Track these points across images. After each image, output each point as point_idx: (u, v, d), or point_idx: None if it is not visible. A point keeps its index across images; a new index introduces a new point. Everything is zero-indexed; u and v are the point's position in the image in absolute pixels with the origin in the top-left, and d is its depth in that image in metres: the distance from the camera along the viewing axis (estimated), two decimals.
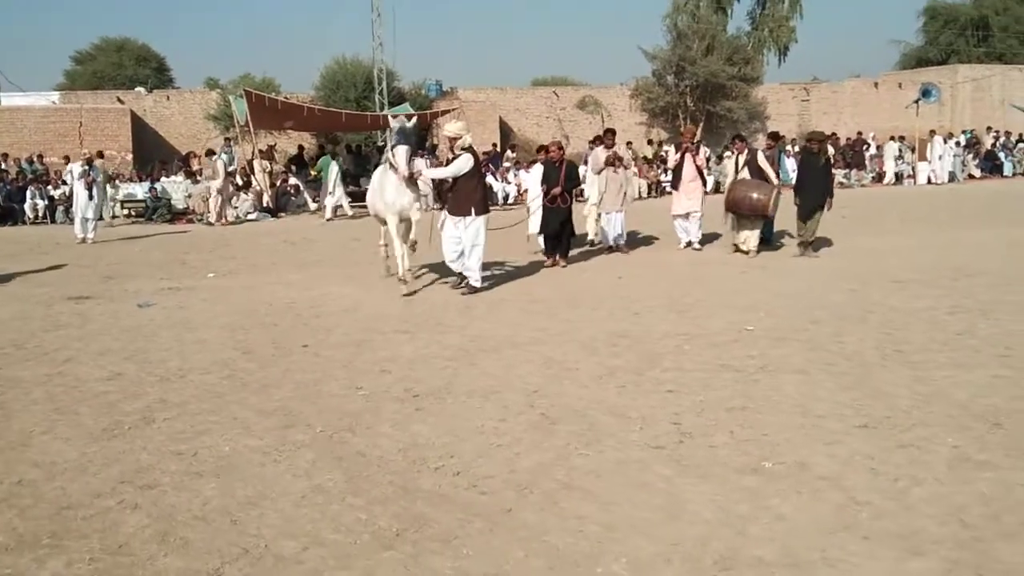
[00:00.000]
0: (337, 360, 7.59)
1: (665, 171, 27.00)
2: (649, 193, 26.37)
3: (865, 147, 31.05)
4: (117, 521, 4.38)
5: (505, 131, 34.86)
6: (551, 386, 6.60)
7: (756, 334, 8.07)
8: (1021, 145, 33.04)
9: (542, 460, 5.10)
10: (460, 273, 10.87)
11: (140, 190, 23.43)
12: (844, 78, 44.21)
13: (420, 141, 29.50)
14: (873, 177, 29.53)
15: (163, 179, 24.02)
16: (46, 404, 6.45)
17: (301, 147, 29.01)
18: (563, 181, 12.68)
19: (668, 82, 37.19)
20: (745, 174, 13.25)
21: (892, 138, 30.68)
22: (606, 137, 14.16)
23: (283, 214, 23.43)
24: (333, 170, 22.45)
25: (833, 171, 15.47)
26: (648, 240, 15.26)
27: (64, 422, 6.01)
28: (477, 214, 10.57)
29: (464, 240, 10.54)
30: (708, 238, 14.44)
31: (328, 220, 21.58)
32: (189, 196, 23.28)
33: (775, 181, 13.27)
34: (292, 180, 25.10)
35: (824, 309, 9.06)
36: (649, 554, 3.91)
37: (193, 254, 15.57)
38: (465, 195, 10.54)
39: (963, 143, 31.59)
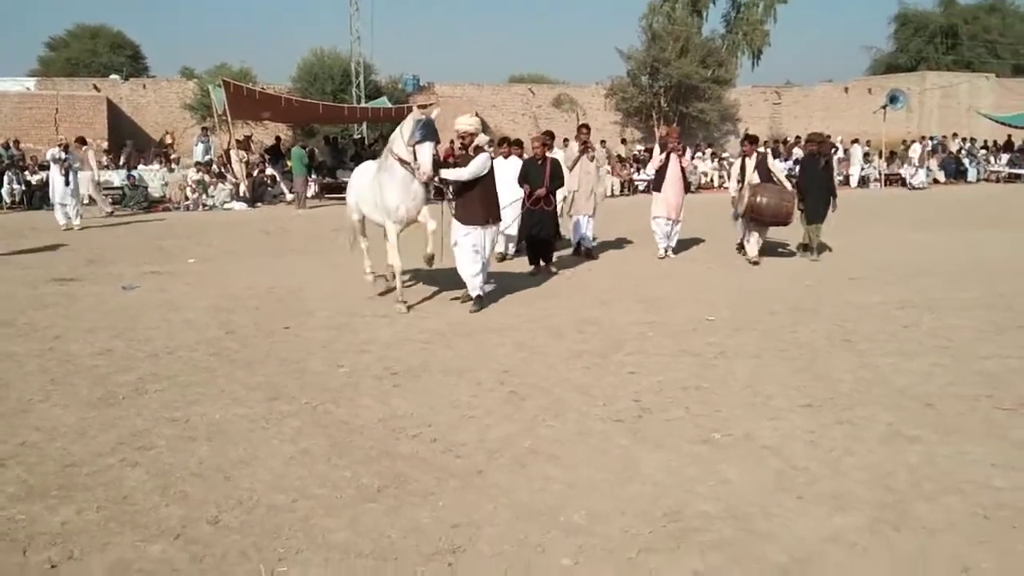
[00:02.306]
0: (318, 341, 7.97)
1: (638, 169, 27.65)
2: (622, 191, 26.87)
3: (833, 151, 31.70)
4: (119, 477, 4.77)
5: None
6: (521, 367, 7.04)
7: (716, 324, 8.55)
8: (984, 151, 33.93)
9: (511, 430, 5.53)
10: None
11: (117, 177, 23.58)
12: (816, 82, 45.16)
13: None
14: (840, 180, 30.20)
15: (140, 166, 24.19)
16: (41, 376, 6.79)
17: (278, 138, 29.27)
18: (548, 181, 11.45)
19: (642, 82, 37.85)
20: (755, 178, 12.50)
21: (855, 142, 31.43)
22: (580, 132, 13.49)
23: (259, 204, 23.68)
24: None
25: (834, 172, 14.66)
26: (620, 243, 15.02)
27: (60, 392, 6.36)
28: (493, 222, 9.55)
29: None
30: (685, 244, 14.13)
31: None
32: (166, 184, 23.50)
33: (788, 185, 12.77)
34: (269, 170, 25.38)
35: (782, 303, 9.56)
36: (606, 508, 4.37)
37: (171, 240, 15.85)
38: (480, 201, 9.34)
39: (929, 148, 32.42)
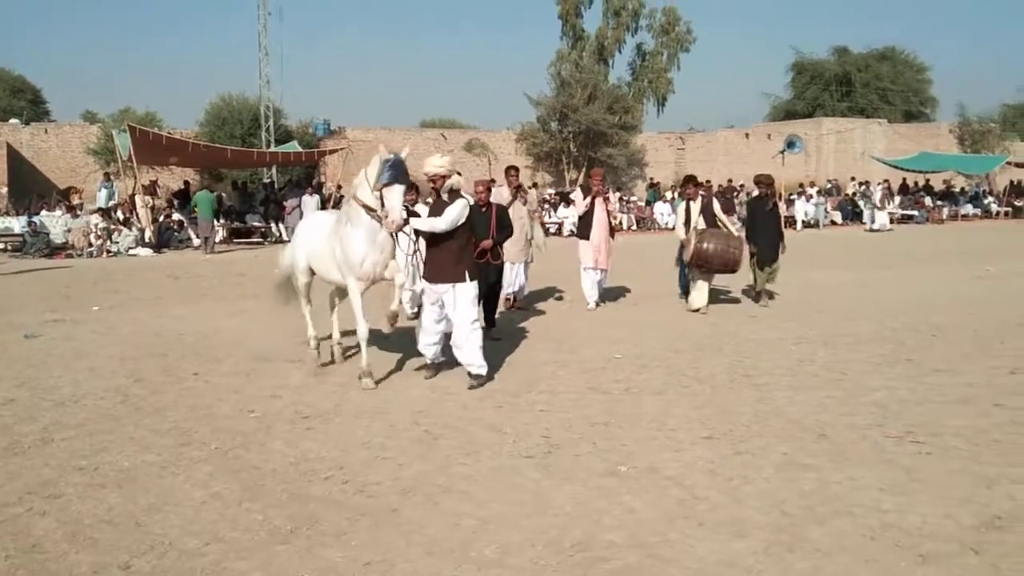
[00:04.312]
0: (228, 387, 7.94)
1: (548, 213, 28.10)
2: None
3: (735, 193, 32.79)
4: (28, 525, 4.72)
5: None
6: (435, 407, 7.16)
7: (623, 361, 8.81)
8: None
9: (425, 469, 5.64)
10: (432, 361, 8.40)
11: (17, 224, 22.96)
12: (718, 128, 46.65)
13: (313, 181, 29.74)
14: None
15: (43, 213, 23.59)
16: None
17: (187, 182, 28.91)
18: (494, 231, 9.50)
19: (552, 128, 38.68)
20: (700, 222, 12.01)
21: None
22: (509, 174, 12.28)
23: (165, 249, 23.29)
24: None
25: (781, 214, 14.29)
26: (533, 284, 13.78)
27: None
28: (470, 278, 8.07)
29: (456, 317, 8.00)
30: (612, 292, 13.68)
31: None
32: (68, 231, 22.94)
33: (734, 231, 12.34)
34: (176, 216, 25.00)
35: (685, 340, 9.89)
36: (516, 541, 4.51)
37: (76, 288, 15.50)
38: (453, 254, 7.94)
39: (824, 191, 33.83)
